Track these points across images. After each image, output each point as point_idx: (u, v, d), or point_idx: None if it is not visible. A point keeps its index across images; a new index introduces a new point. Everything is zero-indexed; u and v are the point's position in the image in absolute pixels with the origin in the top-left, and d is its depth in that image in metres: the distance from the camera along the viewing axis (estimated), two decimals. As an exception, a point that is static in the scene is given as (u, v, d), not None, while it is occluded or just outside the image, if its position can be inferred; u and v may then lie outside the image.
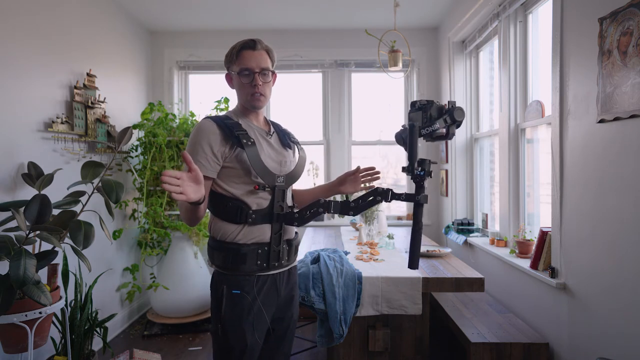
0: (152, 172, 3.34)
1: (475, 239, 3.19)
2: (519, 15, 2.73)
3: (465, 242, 3.29)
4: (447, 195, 3.81)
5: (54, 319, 2.23)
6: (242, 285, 1.39)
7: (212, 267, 1.49)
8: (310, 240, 3.19)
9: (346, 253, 2.53)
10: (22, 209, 1.91)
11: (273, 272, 1.45)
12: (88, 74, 2.91)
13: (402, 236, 3.28)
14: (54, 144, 2.58)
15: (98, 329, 2.48)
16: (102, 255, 3.10)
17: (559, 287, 2.09)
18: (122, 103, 3.46)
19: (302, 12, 3.66)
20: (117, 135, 2.60)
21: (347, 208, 1.38)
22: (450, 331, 2.93)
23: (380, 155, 4.36)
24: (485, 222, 3.32)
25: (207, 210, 1.48)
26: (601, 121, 1.78)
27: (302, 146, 1.65)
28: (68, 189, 2.35)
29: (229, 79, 1.50)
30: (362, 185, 1.67)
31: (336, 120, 4.12)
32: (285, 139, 1.55)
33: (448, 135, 1.31)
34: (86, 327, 2.36)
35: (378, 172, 1.68)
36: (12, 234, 1.90)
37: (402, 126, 1.39)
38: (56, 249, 1.93)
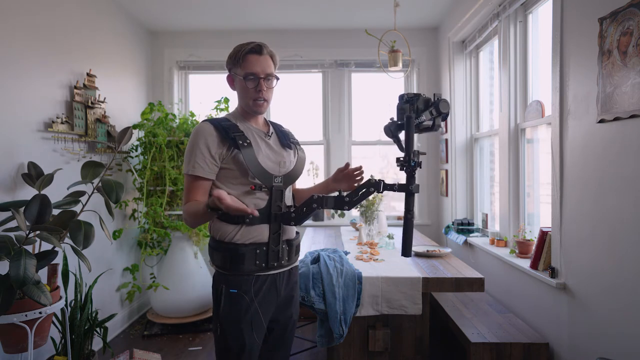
0: (152, 172, 3.34)
1: (475, 239, 3.19)
2: (519, 15, 2.73)
3: (465, 242, 3.29)
4: (447, 195, 3.81)
5: (54, 319, 2.23)
6: (240, 285, 1.40)
7: (213, 267, 1.49)
8: (310, 240, 3.19)
9: (346, 253, 2.53)
10: (22, 209, 1.91)
11: (272, 272, 1.45)
12: (88, 74, 2.91)
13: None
14: (54, 144, 2.58)
15: (98, 329, 2.48)
16: (102, 255, 3.10)
17: (559, 287, 2.09)
18: (122, 103, 3.46)
19: (302, 12, 3.66)
20: (117, 135, 2.60)
21: (341, 202, 1.38)
22: (450, 331, 2.93)
23: (380, 155, 4.36)
24: (485, 222, 3.32)
25: None
26: (601, 121, 1.78)
27: (301, 146, 1.65)
28: (68, 189, 2.35)
29: (230, 80, 1.50)
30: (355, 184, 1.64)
31: (336, 120, 4.12)
32: (285, 140, 1.55)
33: (434, 127, 1.35)
34: (86, 327, 2.36)
35: (362, 172, 1.65)
36: (12, 234, 1.90)
37: (390, 119, 1.39)
38: (56, 249, 1.93)
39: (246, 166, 1.39)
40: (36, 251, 2.04)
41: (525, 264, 2.41)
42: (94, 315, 2.44)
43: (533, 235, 2.56)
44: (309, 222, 3.99)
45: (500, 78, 2.89)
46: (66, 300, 2.19)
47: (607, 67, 1.74)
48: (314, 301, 2.11)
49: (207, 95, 4.19)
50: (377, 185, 1.37)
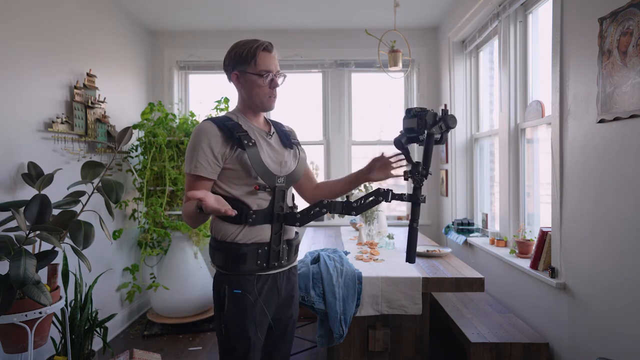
0: (152, 172, 3.34)
1: (475, 239, 3.19)
2: (519, 15, 2.73)
3: (465, 242, 3.29)
4: (447, 195, 3.81)
5: (54, 319, 2.23)
6: (243, 285, 1.40)
7: (214, 267, 1.49)
8: (310, 240, 3.19)
9: (346, 253, 2.53)
10: (22, 209, 1.91)
11: (273, 271, 1.45)
12: (88, 74, 2.91)
13: (402, 236, 3.27)
14: (54, 144, 2.58)
15: (98, 329, 2.48)
16: (102, 255, 3.10)
17: (559, 287, 2.09)
18: (122, 103, 3.46)
19: (302, 12, 3.66)
20: (117, 135, 2.60)
21: (349, 208, 1.39)
22: (450, 331, 2.93)
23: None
24: (485, 222, 3.32)
25: None
26: (601, 121, 1.78)
27: (302, 147, 1.64)
28: (68, 189, 2.35)
29: (236, 78, 1.47)
30: (393, 172, 1.57)
31: (336, 120, 4.13)
32: (286, 140, 1.55)
33: (441, 140, 1.39)
34: (86, 327, 2.36)
35: (403, 158, 1.57)
36: (12, 234, 1.90)
37: (400, 132, 1.42)
38: (56, 249, 1.93)
39: (251, 166, 1.38)
40: (36, 251, 2.04)
41: (525, 264, 2.41)
42: (94, 315, 2.43)
43: (533, 235, 2.56)
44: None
45: (500, 78, 2.89)
46: (66, 300, 2.19)
47: (607, 67, 1.74)
48: (314, 301, 2.11)
49: (207, 95, 4.19)
50: (385, 195, 1.39)
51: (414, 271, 2.22)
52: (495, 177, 3.24)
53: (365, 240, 3.02)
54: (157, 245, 3.52)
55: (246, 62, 1.43)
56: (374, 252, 2.65)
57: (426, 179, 1.38)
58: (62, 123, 2.61)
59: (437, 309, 2.84)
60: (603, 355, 1.78)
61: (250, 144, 1.39)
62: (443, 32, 3.85)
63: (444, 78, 3.86)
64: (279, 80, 1.46)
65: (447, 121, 1.35)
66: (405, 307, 2.12)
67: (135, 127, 3.30)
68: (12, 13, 2.27)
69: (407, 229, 1.43)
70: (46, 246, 2.22)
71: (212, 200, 1.21)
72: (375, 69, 4.13)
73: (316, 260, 2.32)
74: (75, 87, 2.77)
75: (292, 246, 1.51)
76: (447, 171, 3.79)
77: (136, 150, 3.47)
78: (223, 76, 1.54)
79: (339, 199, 1.51)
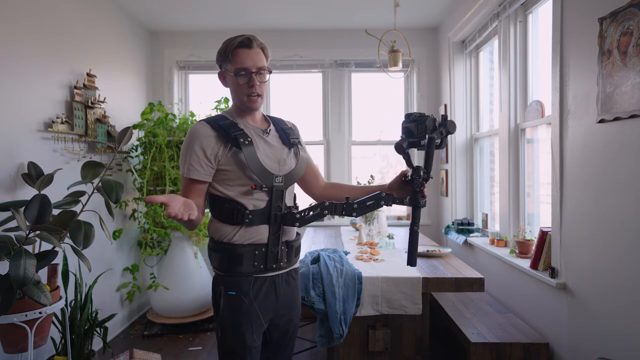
0: (152, 172, 3.34)
1: (475, 239, 3.19)
2: (519, 15, 2.73)
3: (465, 242, 3.29)
4: (447, 195, 3.81)
5: (54, 319, 2.23)
6: (239, 287, 1.37)
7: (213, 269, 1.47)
8: (310, 240, 3.19)
9: (346, 253, 2.53)
10: (22, 209, 1.91)
11: (271, 274, 1.42)
12: (88, 74, 2.91)
13: (402, 236, 3.28)
14: (54, 144, 2.58)
15: (98, 329, 2.48)
16: (102, 255, 3.10)
17: (559, 287, 2.09)
18: (122, 103, 3.46)
19: (302, 12, 3.66)
20: (117, 135, 2.60)
21: (350, 210, 1.37)
22: (450, 331, 2.93)
23: (380, 156, 4.36)
24: (485, 222, 3.32)
25: (207, 210, 1.48)
26: (601, 121, 1.78)
27: (304, 146, 1.60)
28: (68, 189, 2.35)
29: (222, 77, 1.45)
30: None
31: (336, 120, 4.12)
32: (286, 138, 1.50)
33: (441, 145, 1.39)
34: (86, 327, 2.36)
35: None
36: (12, 234, 1.90)
37: (401, 136, 1.41)
38: (56, 249, 1.93)
39: (247, 165, 1.35)
40: (36, 251, 2.04)
41: (525, 264, 2.41)
42: (94, 315, 2.43)
43: (533, 235, 2.56)
44: (309, 222, 3.98)
45: (500, 78, 2.89)
46: (66, 300, 2.19)
47: (607, 67, 1.74)
48: (314, 301, 2.11)
49: (207, 95, 4.19)
50: (387, 199, 1.38)
51: (414, 271, 2.22)
52: (495, 177, 3.24)
53: (365, 240, 3.02)
54: (157, 245, 3.52)
55: (226, 59, 1.39)
56: (374, 252, 2.65)
57: (426, 182, 1.37)
58: (62, 123, 2.61)
59: (437, 309, 2.84)
60: (603, 355, 1.78)
61: (247, 143, 1.36)
62: (443, 32, 3.85)
63: (444, 78, 3.86)
64: (258, 79, 1.39)
65: (447, 126, 1.35)
66: (405, 307, 2.12)
67: (135, 127, 3.30)
68: (12, 13, 2.27)
69: (407, 229, 1.43)
70: (46, 246, 2.22)
71: (177, 206, 1.17)
72: (375, 69, 4.13)
73: (316, 260, 2.33)
74: (75, 87, 2.77)
75: (292, 248, 1.47)
76: (447, 171, 3.79)
77: (136, 150, 3.47)
78: None
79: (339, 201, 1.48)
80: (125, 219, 3.49)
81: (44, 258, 1.91)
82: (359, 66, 4.13)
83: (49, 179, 2.20)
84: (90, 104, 2.88)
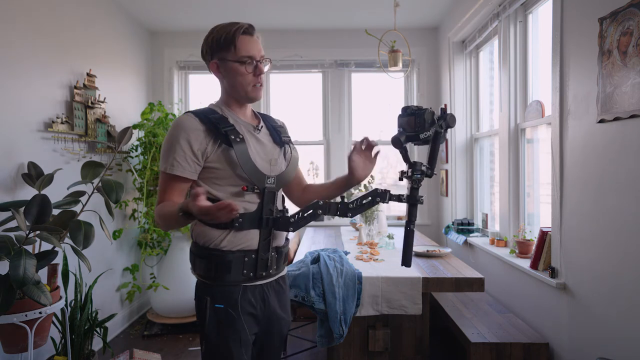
0: (152, 172, 3.34)
1: (475, 239, 3.19)
2: (519, 15, 2.73)
3: (465, 242, 3.29)
4: (447, 195, 3.81)
5: (54, 319, 2.23)
6: (227, 298, 1.26)
7: (195, 276, 1.35)
8: (310, 240, 3.19)
9: (346, 253, 2.53)
10: (22, 209, 1.91)
11: (261, 282, 1.32)
12: (88, 74, 2.91)
13: (402, 236, 3.27)
14: (54, 144, 2.58)
15: (98, 329, 2.48)
16: (102, 255, 3.10)
17: (559, 287, 2.09)
18: (122, 103, 3.46)
19: (302, 12, 3.66)
20: (117, 135, 2.61)
21: (345, 209, 1.28)
22: (450, 331, 2.93)
23: (380, 155, 4.35)
24: (485, 222, 3.32)
25: None
26: (601, 121, 1.78)
27: (294, 145, 1.50)
28: (68, 189, 2.35)
29: (216, 67, 1.32)
30: (371, 163, 1.47)
31: (336, 120, 4.12)
32: (277, 136, 1.40)
33: (440, 140, 1.32)
34: (86, 327, 2.36)
35: (370, 141, 1.49)
36: (12, 234, 1.90)
37: (399, 130, 1.35)
38: (56, 249, 1.93)
39: (238, 164, 1.24)
40: (36, 251, 2.04)
41: (525, 264, 2.41)
42: (94, 315, 2.43)
43: (533, 235, 2.56)
44: (309, 222, 3.99)
45: (500, 78, 2.89)
46: (66, 300, 2.19)
47: (607, 67, 1.74)
48: (314, 301, 2.11)
49: (207, 95, 4.19)
50: (382, 196, 1.30)
51: (414, 271, 2.22)
52: (495, 177, 3.24)
53: (365, 240, 3.02)
54: (157, 245, 3.52)
55: (225, 48, 1.28)
56: (374, 252, 2.65)
57: (430, 177, 1.30)
58: (62, 123, 2.61)
59: (437, 309, 2.84)
60: (603, 356, 1.78)
61: (238, 140, 1.25)
62: (443, 32, 3.85)
63: (444, 78, 3.86)
64: (264, 67, 1.31)
65: (447, 120, 1.29)
66: (405, 307, 2.12)
67: (135, 127, 3.30)
68: (12, 13, 2.27)
69: None
70: (46, 246, 2.22)
71: (204, 204, 1.07)
72: (375, 69, 4.12)
73: (316, 260, 2.33)
74: (75, 87, 2.77)
75: (282, 254, 1.37)
76: (447, 171, 3.79)
77: (136, 150, 3.47)
78: None
79: (334, 200, 1.43)
80: (125, 219, 3.49)
81: (44, 258, 1.91)
82: (359, 66, 4.13)
83: (49, 179, 2.20)
84: (90, 104, 2.88)
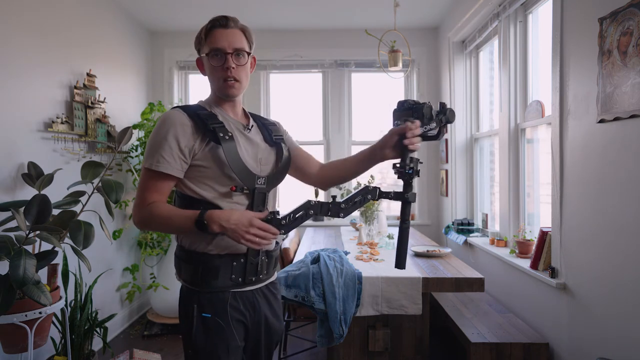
0: (152, 172, 3.33)
1: (475, 239, 3.19)
2: (519, 15, 2.73)
3: (465, 242, 3.29)
4: (447, 195, 3.81)
5: (54, 319, 2.23)
6: (214, 306, 1.21)
7: (180, 281, 1.30)
8: (310, 240, 3.19)
9: (346, 253, 2.53)
10: (22, 209, 1.91)
11: (250, 288, 1.26)
12: (88, 74, 2.91)
13: (402, 236, 3.28)
14: (54, 144, 2.58)
15: (98, 329, 2.48)
16: (102, 255, 3.10)
17: (559, 287, 2.09)
18: (122, 103, 3.46)
19: (302, 12, 3.66)
20: (117, 135, 2.61)
21: (337, 210, 1.22)
22: (450, 331, 2.93)
23: (380, 155, 4.36)
24: (485, 222, 3.32)
25: None
26: (601, 121, 1.78)
27: (290, 137, 1.47)
28: (68, 189, 2.35)
29: (199, 64, 1.31)
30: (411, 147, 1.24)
31: (336, 120, 4.12)
32: (268, 136, 1.36)
33: (439, 136, 1.29)
34: (86, 327, 2.36)
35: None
36: (12, 234, 1.90)
37: (394, 124, 1.32)
38: (56, 249, 1.93)
39: (226, 163, 1.19)
40: (36, 251, 2.04)
41: (525, 264, 2.41)
42: (94, 315, 2.44)
43: (533, 235, 2.56)
44: (309, 222, 3.98)
45: (500, 78, 2.89)
46: (66, 300, 2.19)
47: (607, 67, 1.74)
48: (314, 301, 2.11)
49: (207, 95, 4.19)
50: (373, 193, 1.26)
51: (414, 271, 2.22)
52: (495, 177, 3.24)
53: (365, 240, 3.02)
54: (157, 245, 3.52)
55: (203, 43, 1.26)
56: (374, 252, 2.65)
57: (416, 175, 1.23)
58: (62, 123, 2.61)
59: (437, 309, 2.84)
60: (603, 356, 1.78)
61: (227, 138, 1.19)
62: (443, 32, 3.85)
63: (444, 78, 3.86)
64: (235, 61, 1.23)
65: (446, 115, 1.25)
66: (405, 307, 2.12)
67: (135, 127, 3.30)
68: (12, 12, 2.27)
69: None
70: (46, 246, 2.22)
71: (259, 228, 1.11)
72: (375, 69, 4.12)
73: (316, 260, 2.33)
74: (75, 87, 2.77)
75: (272, 258, 1.32)
76: (447, 171, 3.79)
77: (136, 150, 3.47)
78: None
79: (324, 199, 1.38)
80: (125, 219, 3.49)
81: (44, 258, 1.91)
82: (359, 66, 4.13)
83: (49, 179, 2.20)
84: (90, 104, 2.88)
